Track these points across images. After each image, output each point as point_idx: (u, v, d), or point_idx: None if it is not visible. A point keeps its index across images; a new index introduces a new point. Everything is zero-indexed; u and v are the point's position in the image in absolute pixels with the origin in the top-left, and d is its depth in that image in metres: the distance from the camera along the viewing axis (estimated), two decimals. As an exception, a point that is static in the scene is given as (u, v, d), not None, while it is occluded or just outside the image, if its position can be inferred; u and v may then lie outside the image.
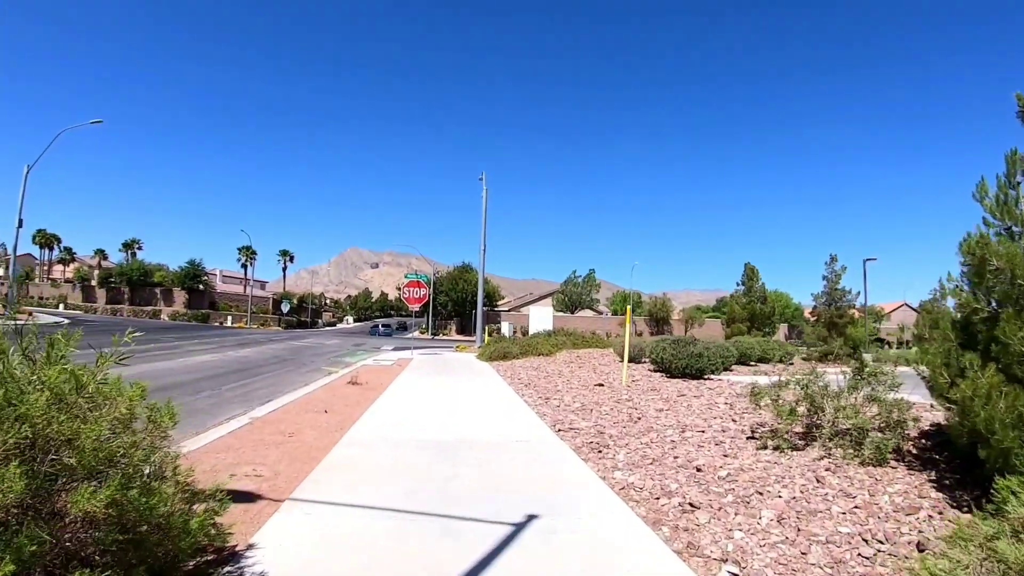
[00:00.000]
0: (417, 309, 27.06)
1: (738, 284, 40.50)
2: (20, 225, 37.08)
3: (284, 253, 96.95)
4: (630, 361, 23.21)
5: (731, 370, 21.35)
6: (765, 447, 8.06)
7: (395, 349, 31.67)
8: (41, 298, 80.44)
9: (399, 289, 30.54)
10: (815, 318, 37.96)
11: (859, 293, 38.36)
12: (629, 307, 16.17)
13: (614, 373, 18.41)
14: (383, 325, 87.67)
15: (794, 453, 7.76)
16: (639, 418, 10.18)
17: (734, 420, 10.14)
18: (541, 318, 37.01)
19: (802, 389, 8.48)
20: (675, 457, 7.54)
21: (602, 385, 14.69)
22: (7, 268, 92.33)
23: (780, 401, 8.52)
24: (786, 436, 8.04)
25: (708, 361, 17.52)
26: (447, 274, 78.06)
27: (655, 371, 19.31)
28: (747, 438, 8.71)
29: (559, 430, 9.12)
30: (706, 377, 17.67)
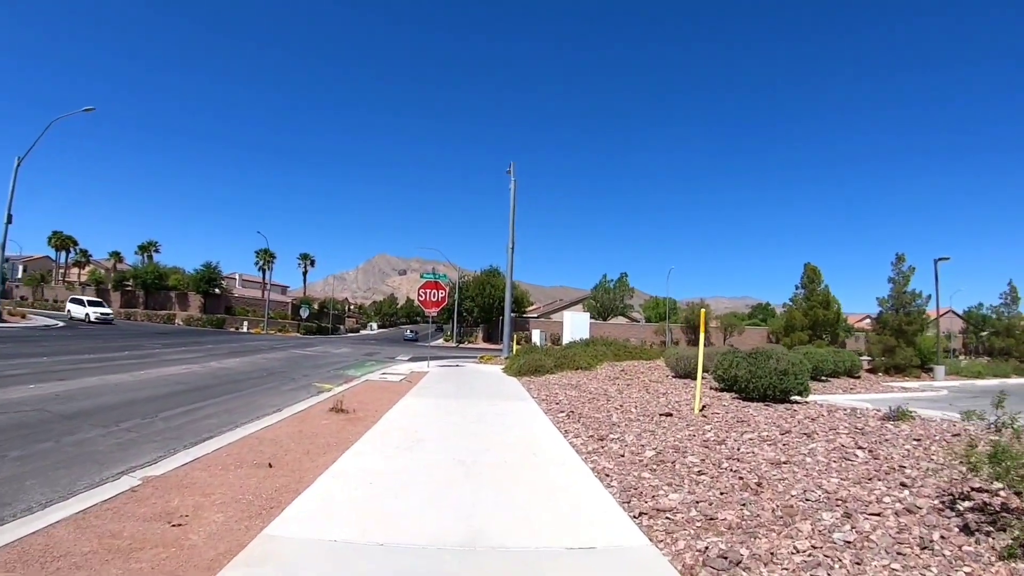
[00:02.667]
0: (434, 314, 23.26)
1: (797, 287, 36.15)
2: (9, 220, 34.21)
3: (305, 257, 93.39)
4: (685, 376, 19.49)
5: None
6: (1012, 555, 4.43)
7: (411, 359, 27.97)
8: (56, 300, 78.17)
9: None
10: (880, 325, 33.74)
11: (929, 297, 34.13)
12: (703, 312, 12.41)
13: (673, 394, 14.79)
14: (411, 331, 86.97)
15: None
16: (758, 484, 6.47)
17: (904, 484, 6.42)
18: (577, 325, 32.86)
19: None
20: (886, 596, 3.88)
21: (670, 415, 10.97)
22: (20, 269, 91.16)
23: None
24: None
25: (796, 380, 13.84)
26: (473, 279, 74.56)
27: (721, 390, 15.62)
28: (959, 529, 5.04)
29: (640, 514, 5.43)
30: (792, 400, 14.00)
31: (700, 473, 6.91)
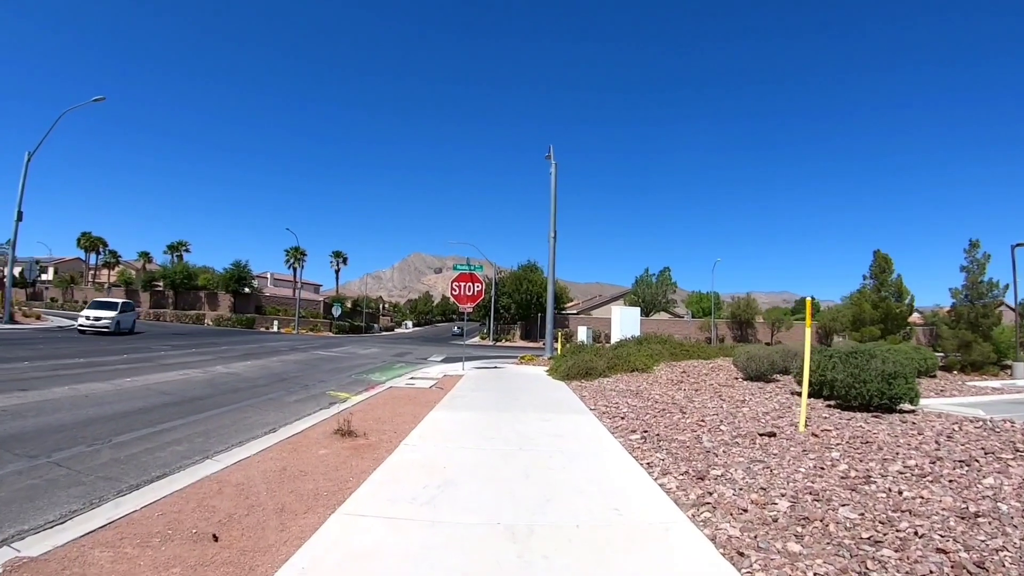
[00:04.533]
0: (470, 310, 20.73)
1: (865, 277, 32.94)
2: (19, 218, 32.78)
3: (337, 255, 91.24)
4: (757, 379, 16.94)
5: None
6: None
7: (444, 360, 25.53)
8: (85, 302, 77.58)
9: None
10: (954, 318, 30.60)
11: (1007, 287, 30.81)
12: (808, 304, 9.86)
13: (753, 402, 12.48)
14: (458, 327, 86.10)
15: None
16: (978, 564, 4.10)
17: None
18: (627, 322, 29.88)
19: None
20: None
21: (773, 435, 8.50)
22: (52, 271, 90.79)
23: None
24: None
25: (906, 385, 11.39)
26: (510, 274, 72.08)
27: (799, 395, 13.22)
28: None
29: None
30: (901, 409, 11.54)
31: (875, 541, 4.53)
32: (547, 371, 19.56)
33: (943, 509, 5.22)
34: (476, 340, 70.51)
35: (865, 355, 11.89)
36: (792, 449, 7.57)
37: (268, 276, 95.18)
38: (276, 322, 67.72)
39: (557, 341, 27.35)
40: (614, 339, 27.97)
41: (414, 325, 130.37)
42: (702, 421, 9.69)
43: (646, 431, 8.80)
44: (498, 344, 60.74)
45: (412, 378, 16.54)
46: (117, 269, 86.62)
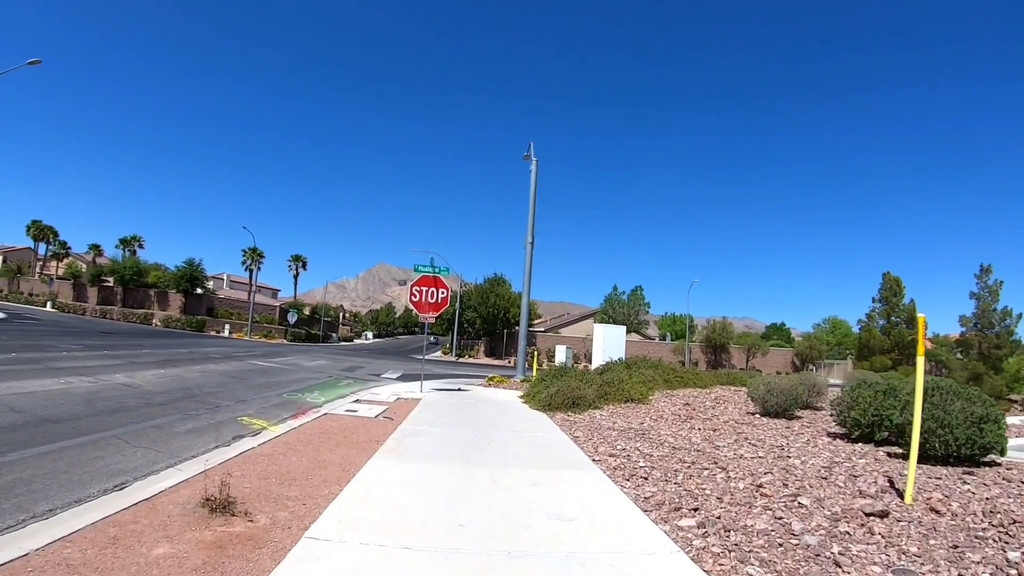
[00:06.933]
0: (432, 319, 17.48)
1: (874, 301, 30.39)
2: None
3: (297, 259, 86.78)
4: (777, 415, 13.98)
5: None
6: None
7: (401, 378, 22.05)
8: (31, 294, 73.00)
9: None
10: (964, 348, 28.25)
11: (1021, 315, 28.48)
12: (921, 322, 7.09)
13: (794, 449, 9.70)
14: (434, 337, 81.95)
15: None
16: None
17: None
18: (611, 342, 26.50)
19: None
20: None
21: (885, 515, 5.61)
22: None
23: None
24: None
25: (997, 431, 8.99)
26: (475, 288, 69.09)
27: (854, 439, 10.57)
28: None
29: None
30: (987, 460, 8.96)
31: None
32: (521, 397, 16.39)
33: None
34: (438, 355, 67.38)
35: (946, 392, 9.23)
36: (933, 542, 4.76)
37: (224, 277, 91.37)
38: (228, 326, 63.92)
39: (533, 361, 24.24)
40: (596, 361, 24.94)
41: (375, 336, 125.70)
42: (760, 486, 6.75)
43: (696, 508, 5.77)
44: (461, 360, 57.50)
45: (356, 401, 13.35)
46: (66, 261, 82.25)
